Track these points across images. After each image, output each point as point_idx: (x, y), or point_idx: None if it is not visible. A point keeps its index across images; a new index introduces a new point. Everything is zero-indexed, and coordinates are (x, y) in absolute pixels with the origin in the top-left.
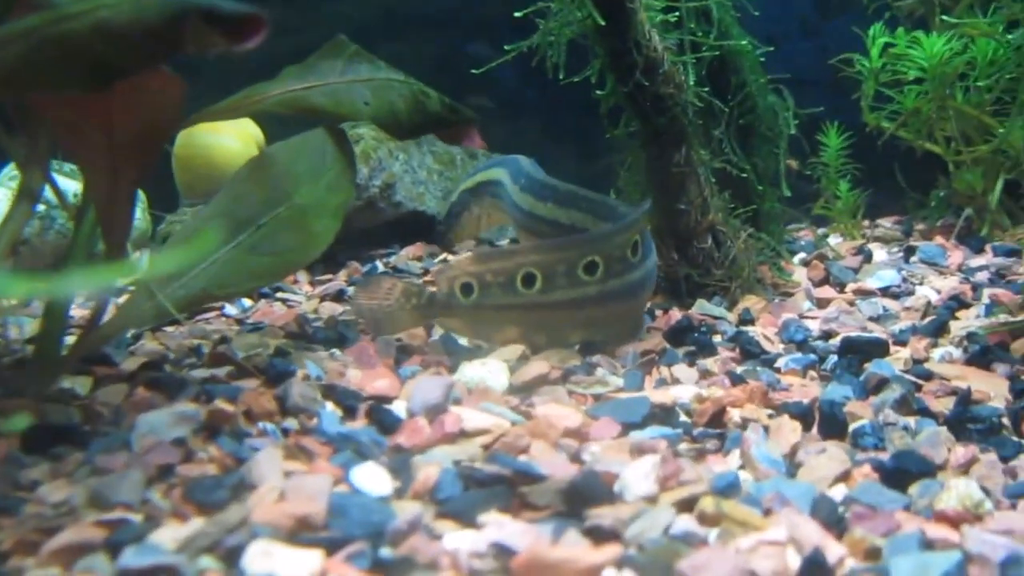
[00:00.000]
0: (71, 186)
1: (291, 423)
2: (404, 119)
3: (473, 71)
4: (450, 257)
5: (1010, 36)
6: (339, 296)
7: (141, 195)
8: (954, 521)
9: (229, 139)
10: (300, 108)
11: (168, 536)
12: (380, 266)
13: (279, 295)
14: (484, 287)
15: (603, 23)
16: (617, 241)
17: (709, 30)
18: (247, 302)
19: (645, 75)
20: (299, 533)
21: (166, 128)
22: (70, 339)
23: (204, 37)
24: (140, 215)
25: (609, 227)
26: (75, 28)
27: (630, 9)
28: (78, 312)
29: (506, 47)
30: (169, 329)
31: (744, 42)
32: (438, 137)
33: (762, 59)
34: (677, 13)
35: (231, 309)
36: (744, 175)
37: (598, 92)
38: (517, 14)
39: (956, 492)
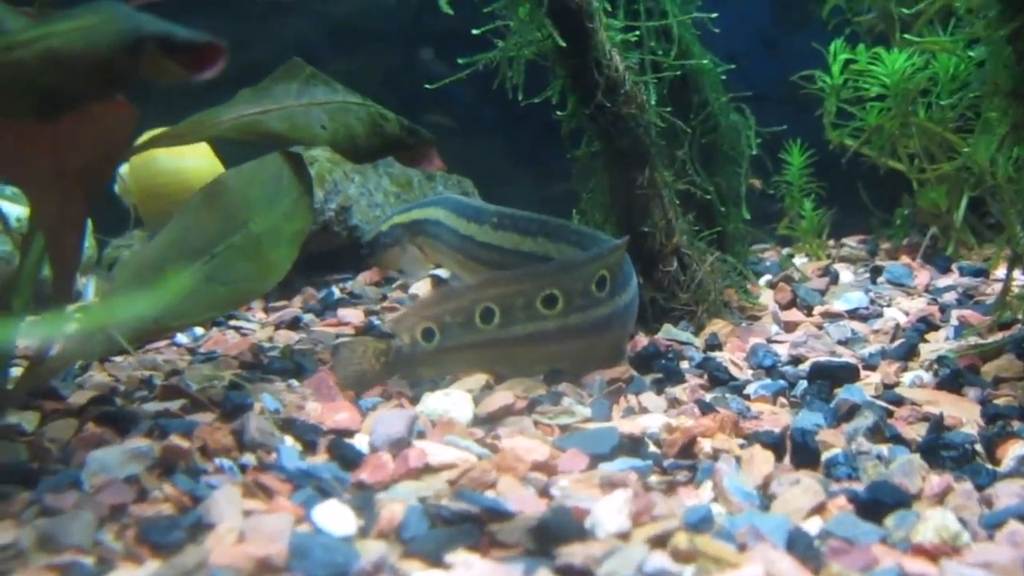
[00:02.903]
0: (14, 210)
1: (249, 459)
2: (362, 143)
3: (428, 86)
4: (408, 284)
5: (971, 53)
6: (295, 323)
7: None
8: (932, 554)
9: (196, 160)
10: (255, 133)
11: None
12: (336, 292)
13: (232, 323)
14: (444, 329)
15: (563, 44)
16: (578, 274)
17: (670, 48)
18: (199, 330)
19: (607, 95)
20: None
21: (116, 155)
22: (16, 371)
23: (160, 67)
24: (86, 240)
25: (570, 259)
26: (24, 56)
27: (590, 29)
28: (23, 343)
29: (460, 60)
30: (118, 359)
31: (705, 60)
32: (397, 160)
33: (723, 77)
34: (637, 32)
35: (182, 338)
36: (708, 196)
37: (559, 113)
38: (475, 32)
39: (933, 524)
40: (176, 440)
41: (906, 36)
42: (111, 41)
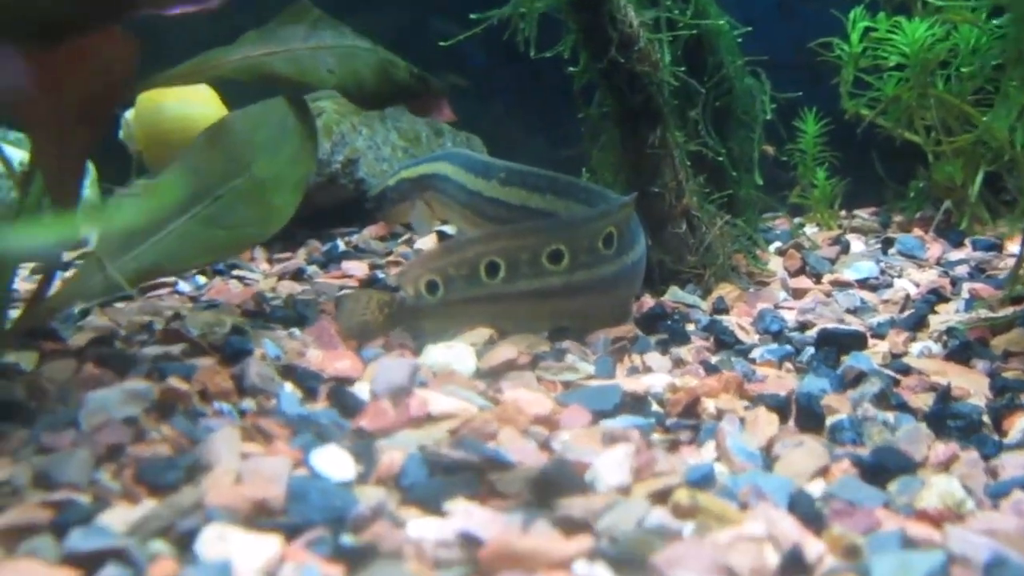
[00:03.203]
0: (17, 155)
1: (248, 404)
2: (370, 88)
3: (441, 43)
4: (414, 238)
5: (994, 23)
6: (298, 275)
7: (91, 168)
8: (936, 520)
9: (202, 106)
10: (260, 75)
11: (118, 518)
12: (341, 245)
13: (235, 273)
14: (448, 282)
15: None
16: (584, 231)
17: (686, 7)
18: (201, 279)
19: (620, 52)
20: (256, 518)
21: (118, 92)
22: (14, 312)
23: None
24: (89, 189)
25: (578, 214)
26: None
27: None
28: (23, 286)
29: (473, 16)
30: (119, 305)
31: (722, 21)
32: (407, 108)
33: (739, 40)
34: None
35: (184, 286)
36: (720, 160)
37: (571, 69)
38: None
39: (937, 490)
40: (175, 383)
41: (930, 0)
42: None
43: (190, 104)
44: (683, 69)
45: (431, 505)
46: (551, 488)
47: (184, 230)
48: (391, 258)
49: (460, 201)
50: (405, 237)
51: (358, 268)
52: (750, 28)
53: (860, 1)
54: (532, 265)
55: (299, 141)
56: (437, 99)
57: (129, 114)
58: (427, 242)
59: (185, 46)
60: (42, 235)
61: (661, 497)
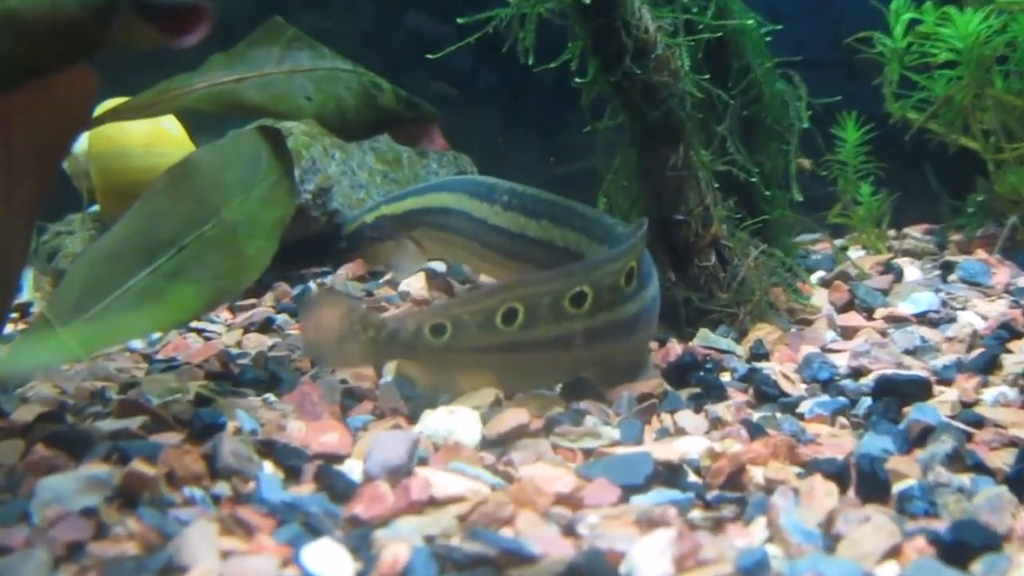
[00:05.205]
0: None
1: (223, 488)
2: (353, 117)
3: (429, 56)
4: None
5: None
6: (266, 326)
7: None
8: None
9: (166, 140)
10: (230, 104)
11: None
12: (314, 288)
13: (193, 324)
14: (459, 327)
15: (586, 0)
16: (610, 269)
17: (707, 6)
18: (155, 333)
19: (635, 61)
20: None
21: (73, 132)
22: None
23: (135, 31)
24: None
25: (602, 255)
26: None
27: None
28: None
29: (460, 20)
30: (64, 367)
31: (748, 21)
32: (393, 138)
33: (768, 39)
34: None
35: (136, 342)
36: (751, 179)
37: (577, 80)
38: None
39: None
40: (139, 466)
41: None
42: (80, 1)
43: (154, 134)
44: (706, 77)
45: None
46: None
47: (146, 286)
48: (372, 302)
49: (466, 234)
50: (387, 277)
51: None
52: (779, 26)
53: None
54: (553, 310)
55: (274, 179)
56: (427, 125)
57: (79, 145)
58: (414, 283)
59: (142, 72)
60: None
61: None
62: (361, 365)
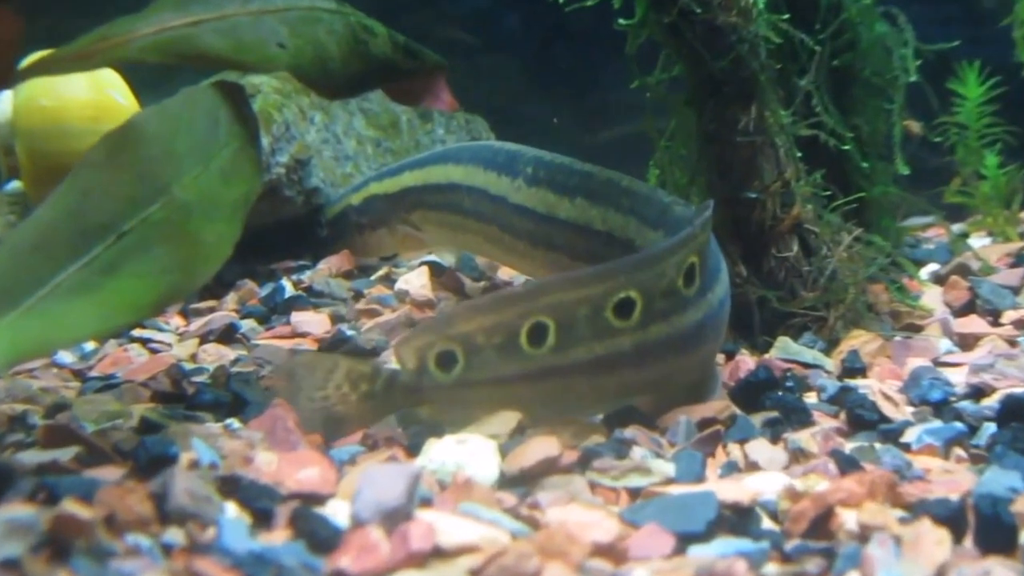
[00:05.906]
0: None
1: (175, 536)
2: (338, 68)
3: None
4: (394, 275)
5: None
6: (228, 334)
7: None
8: None
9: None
10: (182, 54)
11: None
12: (288, 287)
13: (136, 332)
14: (472, 354)
15: None
16: (662, 267)
17: None
18: (89, 344)
19: None
20: None
21: None
22: None
23: None
24: None
25: (654, 247)
26: None
27: None
28: None
29: None
30: None
31: None
32: (389, 95)
33: None
34: None
35: (65, 356)
36: (844, 146)
37: (621, 22)
38: None
39: None
40: (71, 507)
41: None
42: None
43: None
44: (786, 17)
45: None
46: None
47: (77, 283)
48: (362, 305)
49: (480, 216)
50: (381, 272)
51: (315, 321)
52: None
53: None
54: (593, 323)
55: (236, 147)
56: (432, 79)
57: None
58: (415, 279)
59: (81, 19)
60: None
61: None
62: (367, 427)
